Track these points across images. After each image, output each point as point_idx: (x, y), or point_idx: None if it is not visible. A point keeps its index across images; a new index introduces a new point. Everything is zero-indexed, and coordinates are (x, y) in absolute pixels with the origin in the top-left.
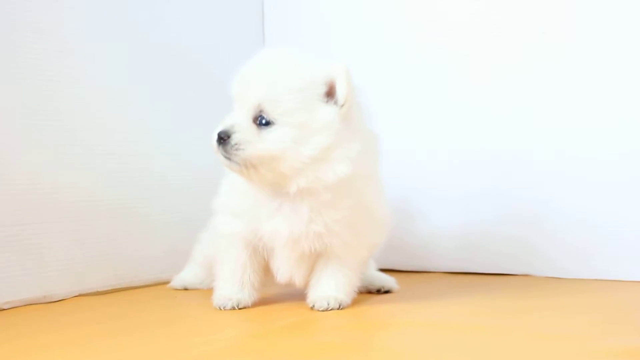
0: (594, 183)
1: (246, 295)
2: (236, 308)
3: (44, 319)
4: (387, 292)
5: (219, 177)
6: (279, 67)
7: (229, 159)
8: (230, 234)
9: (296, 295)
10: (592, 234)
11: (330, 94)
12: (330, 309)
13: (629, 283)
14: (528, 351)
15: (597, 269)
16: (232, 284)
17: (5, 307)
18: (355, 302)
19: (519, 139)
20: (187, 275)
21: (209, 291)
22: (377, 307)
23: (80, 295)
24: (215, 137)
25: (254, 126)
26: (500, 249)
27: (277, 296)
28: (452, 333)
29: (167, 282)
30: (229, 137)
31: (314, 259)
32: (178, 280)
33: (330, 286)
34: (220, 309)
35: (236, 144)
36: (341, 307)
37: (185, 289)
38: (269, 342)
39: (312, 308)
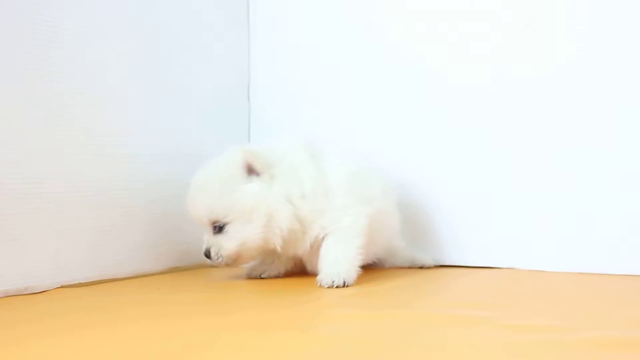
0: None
1: (272, 268)
2: (259, 277)
3: (25, 310)
4: (421, 267)
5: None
6: (203, 182)
7: (218, 265)
8: None
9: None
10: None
11: (250, 170)
12: (336, 287)
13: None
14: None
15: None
16: (261, 259)
17: None
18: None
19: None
20: None
21: (199, 284)
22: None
23: (62, 286)
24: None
25: (217, 235)
26: None
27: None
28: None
29: (150, 275)
30: (209, 252)
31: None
32: None
33: (332, 262)
34: (249, 277)
35: (216, 255)
36: (346, 284)
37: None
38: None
39: (319, 286)
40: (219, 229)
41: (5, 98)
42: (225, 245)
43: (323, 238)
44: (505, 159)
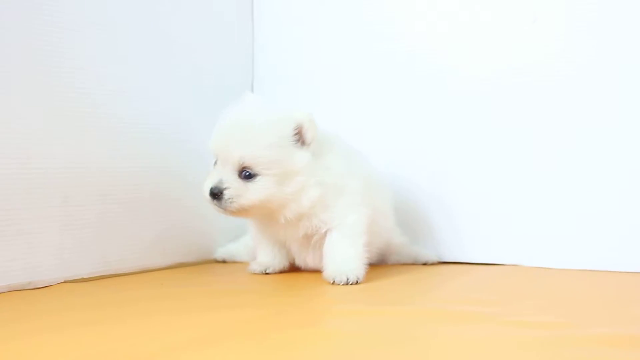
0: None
1: (276, 263)
2: (264, 273)
3: (28, 305)
4: (424, 264)
5: (209, 164)
6: (254, 124)
7: (223, 209)
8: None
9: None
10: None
11: (299, 136)
12: (351, 284)
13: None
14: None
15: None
16: (264, 255)
17: None
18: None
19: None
20: (231, 248)
21: (203, 278)
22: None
23: (66, 281)
24: (207, 191)
25: (240, 180)
26: None
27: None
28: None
29: (155, 270)
30: (221, 192)
31: (318, 242)
32: (221, 252)
33: (342, 259)
34: (254, 273)
35: (229, 199)
36: (358, 281)
37: (224, 261)
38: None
39: (332, 283)
40: (246, 175)
41: (10, 94)
42: (249, 195)
43: (325, 233)
44: (509, 155)
